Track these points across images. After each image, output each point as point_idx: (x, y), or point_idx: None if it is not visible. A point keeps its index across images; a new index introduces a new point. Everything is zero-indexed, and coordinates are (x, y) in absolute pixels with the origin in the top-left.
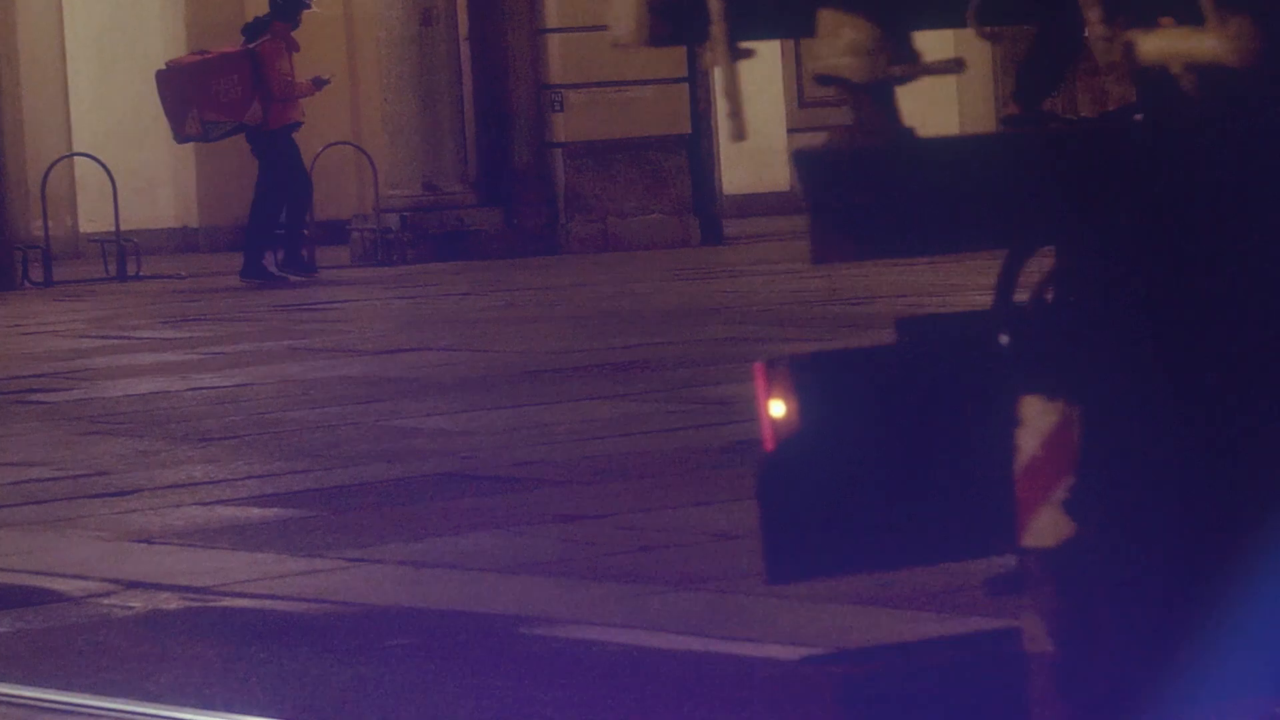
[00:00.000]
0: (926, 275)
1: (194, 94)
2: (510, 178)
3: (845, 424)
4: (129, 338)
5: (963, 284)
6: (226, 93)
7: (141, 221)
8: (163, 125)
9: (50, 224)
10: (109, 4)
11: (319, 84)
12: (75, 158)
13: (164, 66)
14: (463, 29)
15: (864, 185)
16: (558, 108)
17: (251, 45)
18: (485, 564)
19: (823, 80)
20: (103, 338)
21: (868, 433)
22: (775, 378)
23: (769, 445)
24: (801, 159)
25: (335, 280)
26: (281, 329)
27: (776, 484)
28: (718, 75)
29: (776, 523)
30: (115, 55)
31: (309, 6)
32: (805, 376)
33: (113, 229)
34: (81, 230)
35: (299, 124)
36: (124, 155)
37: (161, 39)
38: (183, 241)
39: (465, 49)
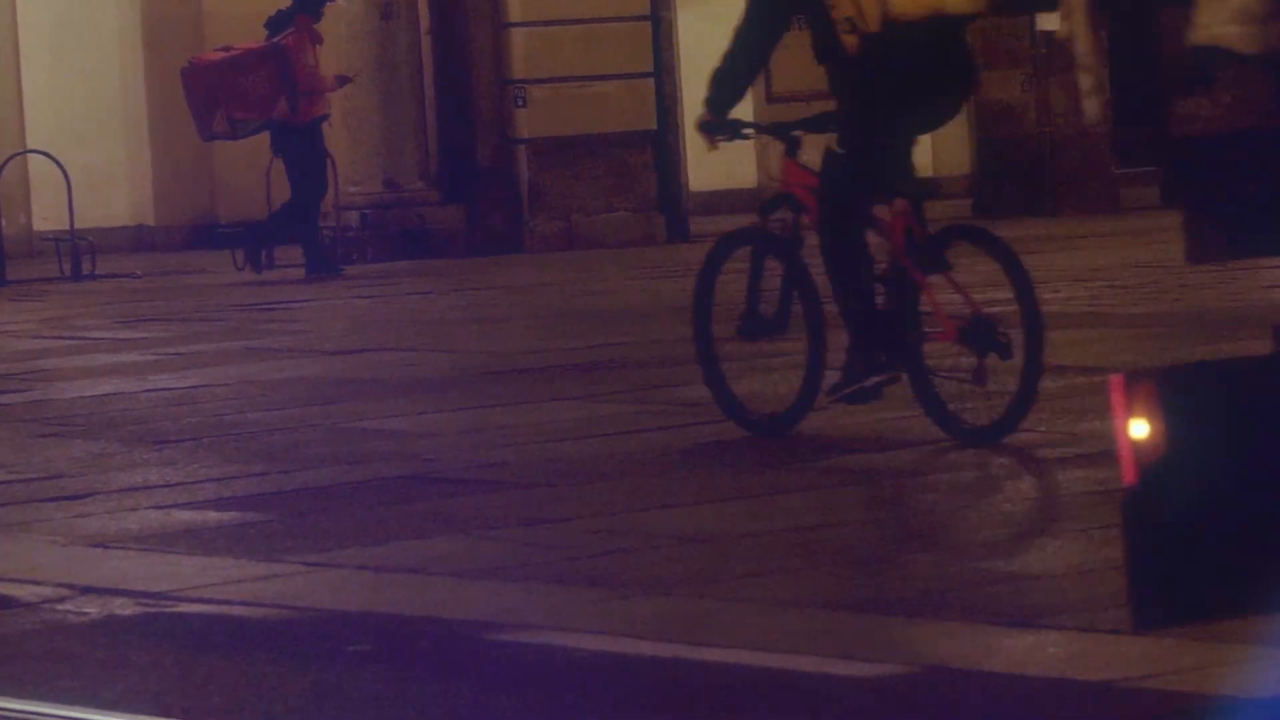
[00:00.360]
0: None
1: (222, 92)
2: (472, 175)
3: (1222, 446)
4: (84, 338)
5: (934, 282)
6: (254, 89)
7: (97, 220)
8: (117, 122)
9: (4, 222)
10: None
11: (342, 81)
12: (29, 155)
13: (187, 64)
14: (424, 23)
15: (1254, 174)
16: (521, 103)
17: (276, 40)
18: (447, 568)
19: (1201, 53)
20: (57, 338)
21: (1251, 455)
22: (1137, 394)
23: (1130, 474)
24: (1175, 147)
25: (293, 280)
26: (239, 329)
27: (1143, 517)
28: (1078, 48)
29: (1145, 563)
30: (70, 51)
31: None
32: (1174, 392)
33: (67, 227)
34: (35, 229)
35: (325, 117)
36: (79, 152)
37: (116, 35)
38: (138, 240)
39: (426, 44)
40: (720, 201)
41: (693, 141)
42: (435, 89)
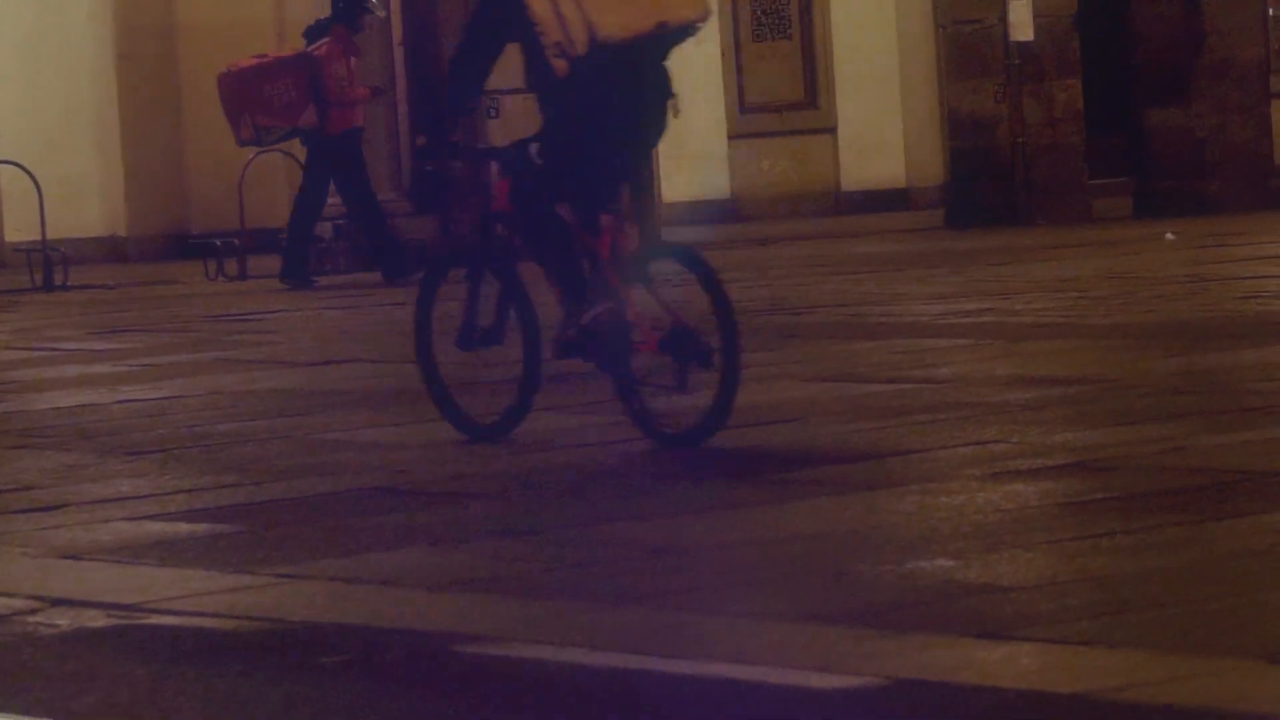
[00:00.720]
0: (869, 285)
1: (247, 98)
2: (445, 185)
3: None
4: (56, 349)
5: (907, 293)
6: (279, 97)
7: (69, 230)
8: (90, 133)
9: None
10: (34, 9)
11: (377, 92)
12: (1, 165)
13: (224, 70)
14: (396, 34)
15: None
16: (493, 114)
17: (309, 49)
18: (418, 580)
19: None
20: (29, 349)
21: None
22: None
23: None
24: None
25: (266, 290)
26: (211, 340)
27: None
28: None
29: None
30: (41, 61)
31: (370, 11)
32: None
33: (39, 238)
34: (7, 239)
35: (360, 129)
36: (51, 163)
37: (88, 44)
38: (110, 251)
39: (400, 55)
40: (693, 212)
41: (666, 152)
42: (408, 100)
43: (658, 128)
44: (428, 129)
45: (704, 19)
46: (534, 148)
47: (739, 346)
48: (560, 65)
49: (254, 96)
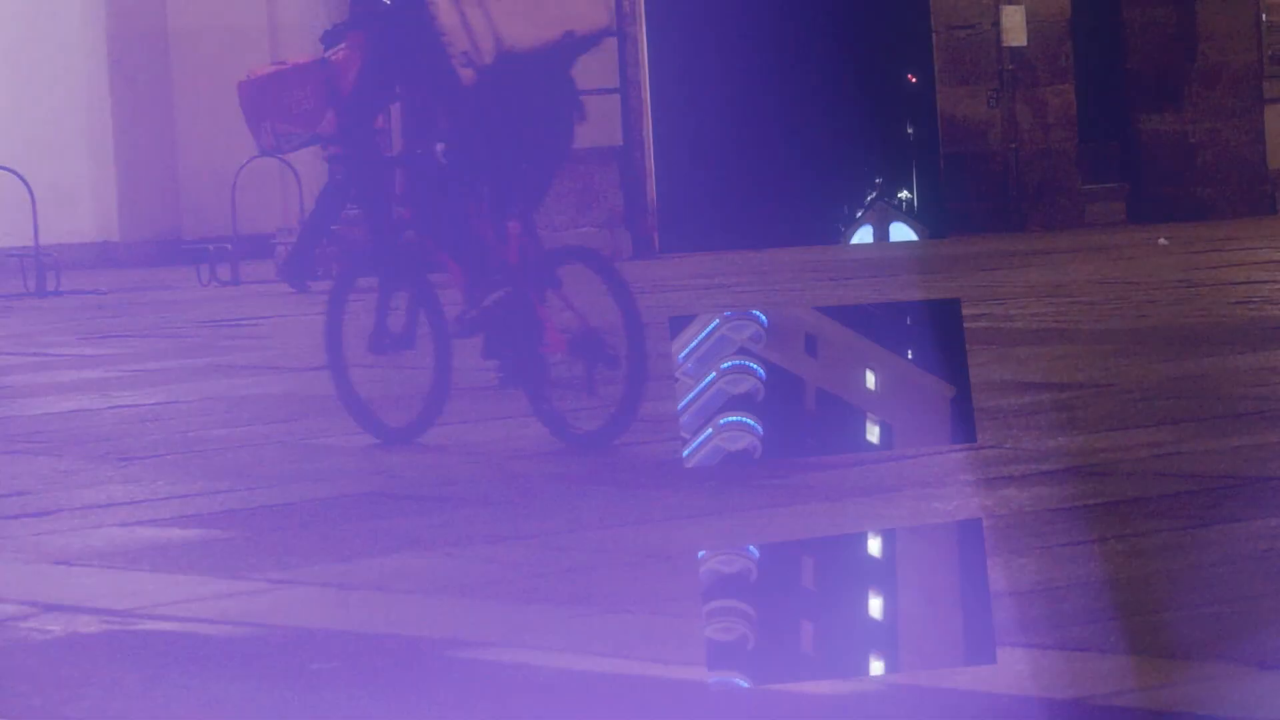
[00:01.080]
0: (864, 291)
1: (267, 106)
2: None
3: None
4: (48, 354)
5: (901, 299)
6: (298, 104)
7: (61, 235)
8: (82, 138)
9: None
10: (27, 14)
11: (395, 97)
12: None
13: (244, 78)
14: None
15: None
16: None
17: (326, 54)
18: (412, 585)
19: None
20: (21, 354)
21: None
22: None
23: None
24: None
25: (259, 295)
26: (204, 345)
27: None
28: None
29: None
30: (34, 66)
31: None
32: None
33: (31, 243)
34: None
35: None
36: (43, 168)
37: (81, 50)
38: (103, 256)
39: None
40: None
41: (658, 157)
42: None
43: (564, 136)
44: (340, 139)
45: (610, 28)
46: (440, 147)
47: (644, 348)
48: (467, 74)
49: (273, 104)
